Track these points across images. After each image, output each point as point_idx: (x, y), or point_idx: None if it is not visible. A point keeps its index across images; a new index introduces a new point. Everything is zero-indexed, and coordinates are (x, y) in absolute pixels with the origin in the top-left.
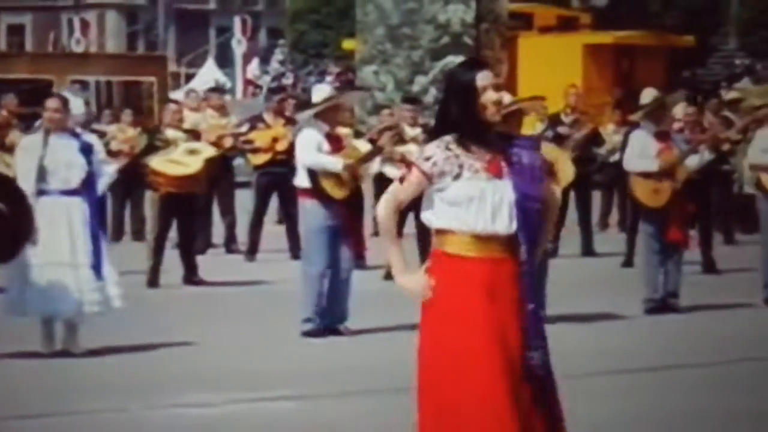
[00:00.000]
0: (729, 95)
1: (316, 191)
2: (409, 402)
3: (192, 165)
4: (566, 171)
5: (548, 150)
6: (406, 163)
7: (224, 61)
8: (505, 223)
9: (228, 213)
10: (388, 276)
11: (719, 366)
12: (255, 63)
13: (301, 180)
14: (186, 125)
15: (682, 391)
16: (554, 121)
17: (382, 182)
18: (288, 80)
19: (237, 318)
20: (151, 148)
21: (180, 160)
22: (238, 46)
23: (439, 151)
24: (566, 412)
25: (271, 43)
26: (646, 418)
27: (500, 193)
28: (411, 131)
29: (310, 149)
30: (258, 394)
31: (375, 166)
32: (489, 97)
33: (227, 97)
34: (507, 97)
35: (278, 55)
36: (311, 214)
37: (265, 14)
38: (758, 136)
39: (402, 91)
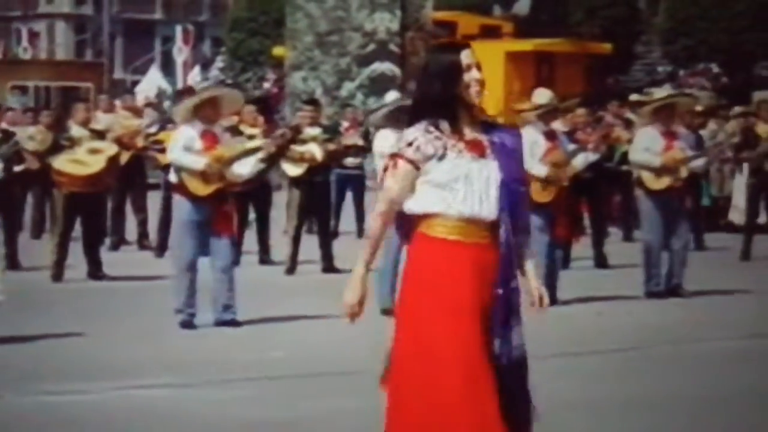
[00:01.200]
0: (632, 97)
1: (181, 187)
2: (289, 390)
3: (93, 164)
4: None
5: None
6: (390, 157)
7: (168, 68)
8: (492, 206)
9: (140, 211)
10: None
11: (588, 356)
12: (196, 70)
13: (171, 175)
14: (99, 126)
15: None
16: None
17: None
18: None
19: (132, 311)
20: (56, 148)
21: (82, 160)
22: (179, 54)
23: (420, 135)
24: None
25: (215, 51)
26: None
27: (486, 173)
28: (311, 131)
29: (177, 146)
30: (131, 382)
31: (250, 165)
32: (472, 75)
33: (167, 103)
34: None
35: (219, 63)
36: (178, 208)
37: (209, 24)
38: (639, 135)
39: (330, 96)
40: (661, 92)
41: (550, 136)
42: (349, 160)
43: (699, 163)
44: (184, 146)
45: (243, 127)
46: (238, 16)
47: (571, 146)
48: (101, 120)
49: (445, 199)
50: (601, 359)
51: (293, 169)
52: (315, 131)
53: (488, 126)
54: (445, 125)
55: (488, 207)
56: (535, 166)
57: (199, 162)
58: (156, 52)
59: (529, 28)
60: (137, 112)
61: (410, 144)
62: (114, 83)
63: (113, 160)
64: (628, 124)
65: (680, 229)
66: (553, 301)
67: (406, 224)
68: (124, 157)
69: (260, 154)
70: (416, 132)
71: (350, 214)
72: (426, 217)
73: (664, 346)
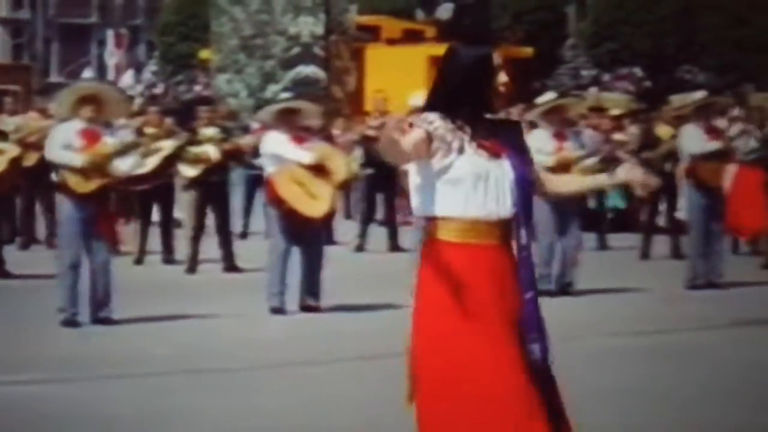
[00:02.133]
0: (537, 101)
1: (62, 185)
2: (165, 386)
3: None
4: (339, 169)
5: (322, 148)
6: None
7: (103, 72)
8: (508, 207)
9: (49, 210)
10: (138, 261)
11: None
12: (129, 74)
13: (53, 174)
14: (8, 128)
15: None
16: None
17: None
18: (159, 90)
19: (27, 309)
20: None
21: None
22: (111, 57)
23: (439, 120)
24: None
25: (149, 55)
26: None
27: (502, 174)
28: (207, 131)
29: (55, 145)
30: (7, 378)
31: (128, 162)
32: (502, 78)
33: None
34: None
35: (151, 66)
36: (61, 206)
37: (144, 28)
38: (531, 137)
39: (255, 98)
40: (548, 96)
41: None
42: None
43: (589, 162)
44: (62, 144)
45: (147, 129)
46: (169, 21)
47: None
48: (9, 123)
49: (465, 199)
50: None
51: (190, 170)
52: (211, 132)
53: (495, 123)
54: (463, 120)
55: (506, 206)
56: None
57: (77, 159)
58: (92, 55)
59: (451, 32)
60: (46, 115)
61: (431, 123)
62: (50, 87)
63: (15, 161)
64: (532, 126)
65: (571, 230)
66: None
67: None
68: (33, 158)
69: (142, 151)
70: (435, 116)
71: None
72: (441, 220)
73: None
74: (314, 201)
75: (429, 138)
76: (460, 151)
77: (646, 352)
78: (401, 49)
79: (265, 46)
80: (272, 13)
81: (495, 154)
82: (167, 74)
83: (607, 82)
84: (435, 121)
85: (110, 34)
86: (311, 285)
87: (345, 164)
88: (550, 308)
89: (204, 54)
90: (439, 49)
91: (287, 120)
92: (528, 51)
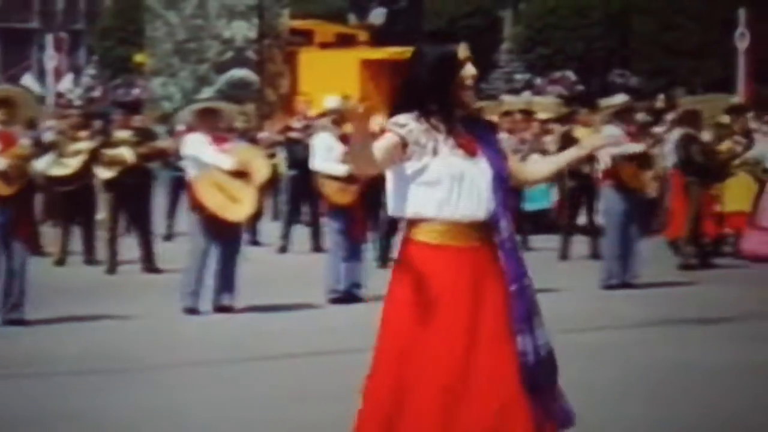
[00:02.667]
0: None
1: None
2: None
3: None
4: (261, 169)
5: (243, 150)
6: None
7: (44, 75)
8: (487, 207)
9: None
10: (59, 262)
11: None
12: (69, 77)
13: None
14: None
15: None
16: (287, 126)
17: None
18: (97, 93)
19: None
20: None
21: None
22: (50, 61)
23: (413, 121)
24: None
25: (89, 59)
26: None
27: (479, 173)
28: (122, 134)
29: None
30: None
31: (45, 161)
32: (469, 71)
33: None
34: None
35: (90, 70)
36: None
37: (86, 32)
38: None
39: (189, 102)
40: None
41: (345, 140)
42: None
43: None
44: None
45: (69, 131)
46: (107, 25)
47: None
48: None
49: (439, 201)
50: None
51: (105, 173)
52: (125, 134)
53: (471, 121)
54: (436, 119)
55: (483, 207)
56: (336, 167)
57: None
58: (33, 59)
59: (384, 37)
60: None
61: (403, 126)
62: None
63: None
64: None
65: None
66: (357, 298)
67: None
68: None
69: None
70: (407, 118)
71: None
72: (418, 221)
73: None
74: (236, 205)
75: (403, 142)
76: (435, 152)
77: (560, 349)
78: (334, 53)
79: (199, 50)
80: (206, 17)
81: (471, 153)
82: (106, 78)
83: (540, 86)
84: (408, 123)
85: (50, 39)
86: (226, 285)
87: (266, 165)
88: None
89: (139, 58)
90: (371, 53)
91: (207, 121)
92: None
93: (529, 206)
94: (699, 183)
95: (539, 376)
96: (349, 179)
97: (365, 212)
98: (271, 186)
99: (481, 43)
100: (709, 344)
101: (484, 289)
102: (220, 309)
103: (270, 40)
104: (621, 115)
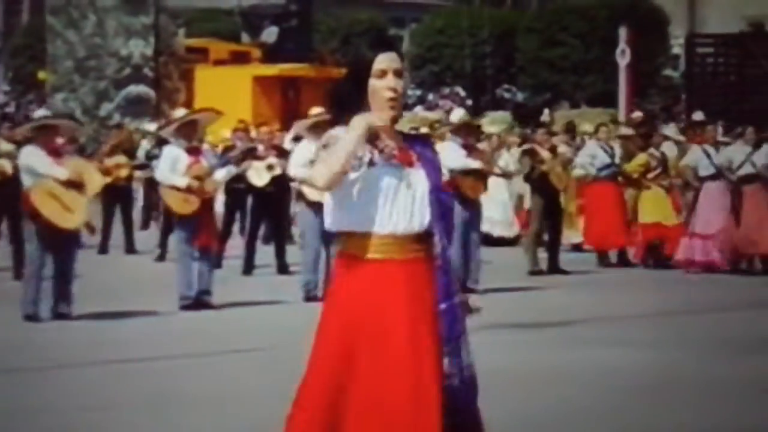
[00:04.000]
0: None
1: None
2: None
3: None
4: (93, 181)
5: (75, 163)
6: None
7: None
8: (423, 218)
9: None
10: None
11: (244, 353)
12: None
13: None
14: None
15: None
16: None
17: None
18: (11, 108)
19: None
20: None
21: None
22: None
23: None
24: None
25: (5, 76)
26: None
27: (415, 184)
28: (4, 146)
29: None
30: None
31: None
32: (385, 82)
33: None
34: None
35: (3, 86)
36: None
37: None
38: (297, 150)
39: (90, 116)
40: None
41: (193, 151)
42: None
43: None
44: None
45: None
46: (18, 43)
47: (213, 161)
48: None
49: (373, 214)
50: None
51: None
52: (8, 147)
53: (405, 135)
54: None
55: (419, 219)
56: (176, 178)
57: None
58: None
59: (276, 54)
60: None
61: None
62: None
63: None
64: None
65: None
66: (207, 305)
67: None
68: None
69: None
70: (342, 132)
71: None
72: (353, 235)
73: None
74: (69, 213)
75: None
76: (371, 163)
77: None
78: (228, 70)
79: (99, 67)
80: (105, 36)
81: (408, 164)
82: (18, 94)
83: (432, 102)
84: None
85: None
86: (63, 292)
87: (98, 178)
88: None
89: (42, 75)
90: (264, 70)
91: (44, 136)
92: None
93: None
94: (540, 192)
95: (460, 398)
96: (189, 189)
97: (210, 221)
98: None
99: None
100: (531, 349)
101: (420, 305)
102: (59, 316)
103: (166, 57)
104: (460, 131)
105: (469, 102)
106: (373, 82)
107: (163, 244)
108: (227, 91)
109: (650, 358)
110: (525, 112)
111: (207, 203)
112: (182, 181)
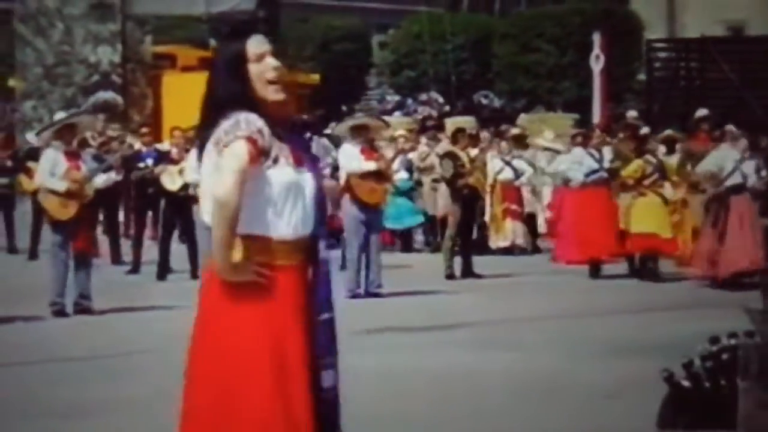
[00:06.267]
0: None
1: None
2: None
3: None
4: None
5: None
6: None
7: None
8: (311, 222)
9: None
10: None
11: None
12: None
13: None
14: None
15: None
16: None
17: None
18: None
19: None
20: None
21: None
22: None
23: (262, 124)
24: None
25: None
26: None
27: (308, 187)
28: None
29: None
30: None
31: None
32: (265, 65)
33: None
34: None
35: None
36: None
37: None
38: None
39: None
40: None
41: (71, 155)
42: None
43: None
44: None
45: None
46: None
47: (93, 165)
48: None
49: (270, 217)
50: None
51: None
52: None
53: (287, 130)
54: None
55: (309, 223)
56: (55, 182)
57: None
58: None
59: None
60: None
61: (260, 131)
62: None
63: None
64: None
65: None
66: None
67: None
68: None
69: None
70: (259, 121)
71: None
72: (248, 238)
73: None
74: None
75: (260, 152)
76: (275, 161)
77: None
78: (196, 76)
79: (67, 74)
80: (73, 43)
81: (299, 165)
82: None
83: (410, 107)
84: (262, 127)
85: None
86: None
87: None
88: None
89: (12, 82)
90: None
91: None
92: (315, 78)
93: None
94: (459, 197)
95: (336, 413)
96: (68, 194)
97: (88, 225)
98: None
99: (352, 67)
100: (425, 350)
101: (302, 313)
102: None
103: (134, 64)
104: (356, 132)
105: (446, 107)
106: (253, 68)
107: (33, 245)
108: (195, 98)
109: (542, 362)
110: (498, 117)
111: (85, 208)
112: (60, 185)
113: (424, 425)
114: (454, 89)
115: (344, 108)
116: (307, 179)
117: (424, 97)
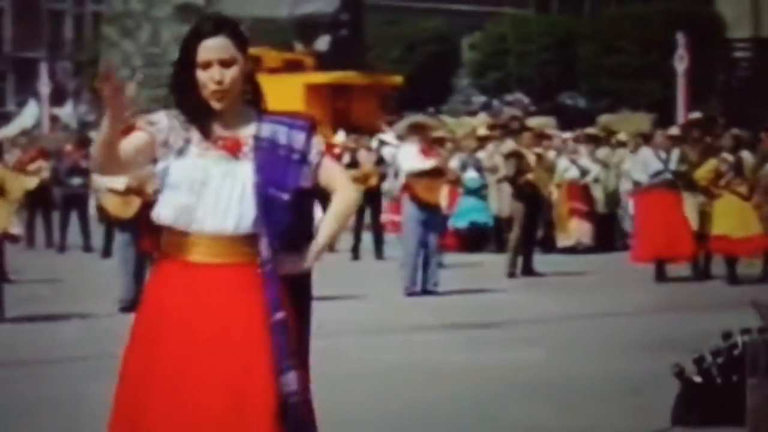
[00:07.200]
0: None
1: None
2: None
3: None
4: (13, 189)
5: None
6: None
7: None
8: (241, 218)
9: None
10: None
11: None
12: (69, 104)
13: None
14: None
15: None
16: None
17: None
18: (92, 117)
19: None
20: None
21: None
22: (44, 88)
23: (165, 119)
24: None
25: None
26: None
27: (233, 178)
28: None
29: None
30: None
31: None
32: (209, 74)
33: None
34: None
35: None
36: None
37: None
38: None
39: None
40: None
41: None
42: (76, 180)
43: None
44: None
45: None
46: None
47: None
48: None
49: (178, 208)
50: None
51: None
52: None
53: (264, 118)
54: (191, 115)
55: (234, 219)
56: (113, 181)
57: None
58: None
59: (329, 62)
60: None
61: (152, 124)
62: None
63: None
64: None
65: None
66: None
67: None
68: None
69: None
70: (162, 116)
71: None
72: (167, 231)
73: None
74: None
75: (153, 140)
76: (180, 152)
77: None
78: (281, 78)
79: (156, 76)
80: (160, 44)
81: (232, 154)
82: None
83: (496, 108)
84: (160, 121)
85: (44, 67)
86: None
87: (20, 185)
88: None
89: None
90: (315, 78)
91: None
92: (398, 79)
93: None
94: (523, 197)
95: (303, 416)
96: (128, 192)
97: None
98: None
99: (439, 68)
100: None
101: (230, 316)
102: None
103: None
104: (415, 131)
105: (533, 108)
106: (198, 74)
107: (107, 244)
108: (280, 99)
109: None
110: (582, 117)
111: (148, 207)
112: (120, 184)
113: (472, 419)
114: (538, 90)
115: (431, 109)
116: (239, 170)
117: (510, 98)
